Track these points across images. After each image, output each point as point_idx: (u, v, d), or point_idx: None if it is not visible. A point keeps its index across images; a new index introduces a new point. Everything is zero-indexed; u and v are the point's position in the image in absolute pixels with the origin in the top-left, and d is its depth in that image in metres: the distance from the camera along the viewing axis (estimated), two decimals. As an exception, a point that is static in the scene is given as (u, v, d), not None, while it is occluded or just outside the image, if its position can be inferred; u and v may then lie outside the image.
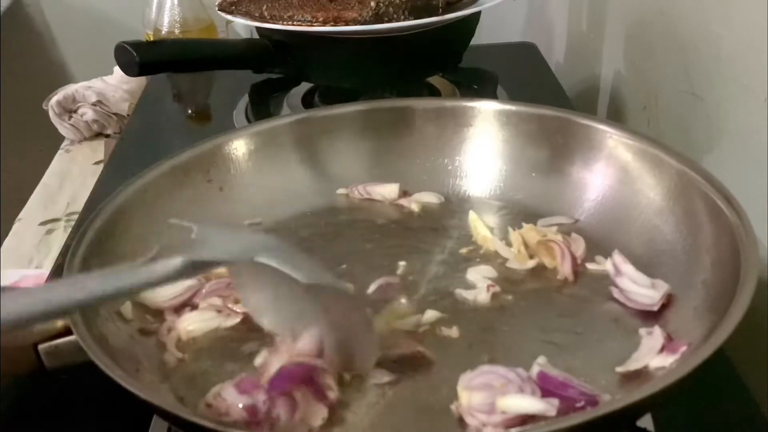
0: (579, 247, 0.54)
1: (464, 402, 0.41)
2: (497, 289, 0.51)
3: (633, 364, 0.44)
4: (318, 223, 0.61)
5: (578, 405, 0.40)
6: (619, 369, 0.43)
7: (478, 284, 0.52)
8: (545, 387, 0.41)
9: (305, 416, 0.41)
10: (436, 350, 0.46)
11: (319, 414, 0.41)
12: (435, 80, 0.90)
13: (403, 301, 0.50)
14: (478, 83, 0.88)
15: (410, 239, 0.58)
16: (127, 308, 0.48)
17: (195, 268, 0.38)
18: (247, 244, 0.40)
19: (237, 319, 0.49)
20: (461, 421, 0.41)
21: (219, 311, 0.50)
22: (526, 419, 0.40)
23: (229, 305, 0.50)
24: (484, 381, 0.42)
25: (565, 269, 0.53)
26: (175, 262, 0.37)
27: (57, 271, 0.64)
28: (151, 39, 1.12)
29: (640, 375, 0.43)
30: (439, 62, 0.84)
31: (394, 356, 0.45)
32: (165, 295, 0.50)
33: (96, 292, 0.36)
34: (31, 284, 0.76)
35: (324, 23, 0.74)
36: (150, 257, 0.37)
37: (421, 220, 0.60)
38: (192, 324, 0.49)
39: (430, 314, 0.49)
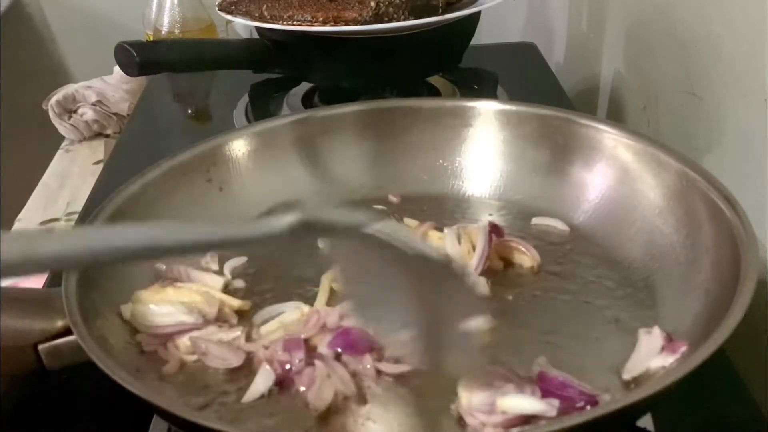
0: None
1: (464, 402, 0.41)
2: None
3: (637, 368, 0.44)
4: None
5: (578, 405, 0.41)
6: (626, 376, 0.43)
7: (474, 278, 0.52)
8: (545, 387, 0.41)
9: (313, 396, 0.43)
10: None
11: (324, 398, 0.43)
12: (435, 80, 0.90)
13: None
14: (478, 83, 0.88)
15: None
16: (126, 309, 0.49)
17: (309, 228, 0.37)
18: (356, 215, 0.39)
19: (237, 333, 0.48)
20: (461, 421, 0.41)
21: (220, 326, 0.49)
22: (526, 419, 0.40)
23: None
24: (484, 381, 0.42)
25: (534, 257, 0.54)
26: (290, 218, 0.36)
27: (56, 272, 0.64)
28: (151, 39, 1.12)
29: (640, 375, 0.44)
30: (439, 62, 0.84)
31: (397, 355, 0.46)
32: (163, 321, 0.48)
33: (209, 238, 0.36)
34: (31, 284, 0.76)
35: (324, 23, 0.74)
36: (263, 215, 0.36)
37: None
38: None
39: None
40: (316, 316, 0.48)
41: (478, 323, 0.41)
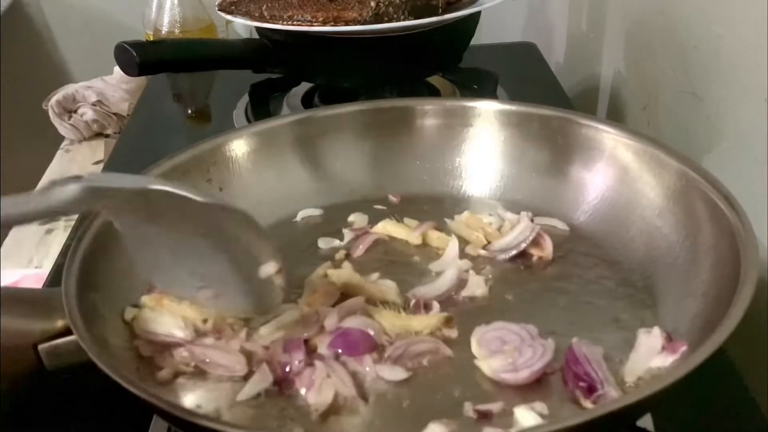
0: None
1: (487, 370, 0.44)
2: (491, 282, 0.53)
3: (637, 368, 0.44)
4: (318, 223, 0.61)
5: (580, 384, 0.42)
6: (626, 377, 0.44)
7: (473, 279, 0.53)
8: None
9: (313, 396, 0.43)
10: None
11: (324, 398, 0.43)
12: (435, 80, 0.90)
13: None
14: (478, 83, 0.88)
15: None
16: (129, 312, 0.49)
17: (92, 195, 0.37)
18: (142, 178, 0.42)
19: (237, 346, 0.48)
20: (474, 420, 0.41)
21: (218, 339, 0.48)
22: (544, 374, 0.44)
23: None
24: (495, 343, 0.45)
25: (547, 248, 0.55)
26: (73, 188, 0.36)
27: (57, 271, 0.64)
28: (151, 39, 1.12)
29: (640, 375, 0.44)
30: (439, 62, 0.84)
31: (414, 353, 0.46)
32: (157, 330, 0.48)
33: None
34: (31, 284, 0.76)
35: (324, 23, 0.74)
36: (46, 186, 0.36)
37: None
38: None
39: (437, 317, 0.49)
40: (315, 317, 0.48)
41: (268, 269, 0.44)
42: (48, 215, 0.39)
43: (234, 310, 0.47)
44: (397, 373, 0.45)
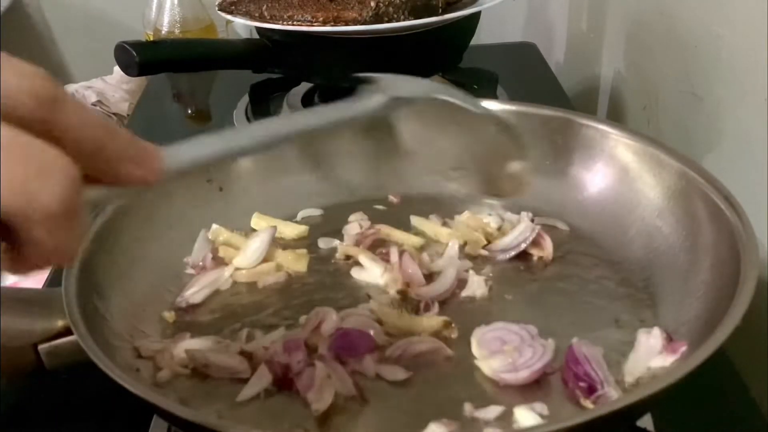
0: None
1: (487, 370, 0.44)
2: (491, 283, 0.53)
3: (637, 368, 0.44)
4: (318, 223, 0.61)
5: (580, 384, 0.42)
6: (626, 377, 0.44)
7: (473, 279, 0.53)
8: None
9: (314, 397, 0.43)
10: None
11: (325, 399, 0.43)
12: (435, 80, 0.90)
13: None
14: (478, 83, 0.88)
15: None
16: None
17: (394, 104, 0.44)
18: (425, 84, 0.48)
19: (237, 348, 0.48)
20: (473, 420, 0.41)
21: (219, 342, 0.48)
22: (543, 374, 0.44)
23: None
24: (495, 344, 0.46)
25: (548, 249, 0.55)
26: (379, 98, 0.43)
27: (57, 272, 0.64)
28: (151, 39, 1.12)
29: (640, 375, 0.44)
30: (439, 62, 0.84)
31: (414, 353, 0.46)
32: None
33: (310, 123, 0.40)
34: (31, 284, 0.76)
35: (324, 23, 0.74)
36: (351, 98, 0.43)
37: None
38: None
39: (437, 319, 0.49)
40: (314, 318, 0.48)
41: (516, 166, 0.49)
42: (355, 120, 0.45)
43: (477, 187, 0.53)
44: (397, 373, 0.45)
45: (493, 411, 0.42)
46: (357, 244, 0.57)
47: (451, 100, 0.46)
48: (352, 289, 0.53)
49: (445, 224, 0.59)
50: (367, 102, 0.43)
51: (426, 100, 0.46)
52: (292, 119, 0.42)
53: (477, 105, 0.47)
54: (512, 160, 0.50)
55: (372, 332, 0.47)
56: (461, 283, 0.53)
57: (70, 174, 0.25)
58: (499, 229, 0.58)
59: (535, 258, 0.55)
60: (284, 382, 0.44)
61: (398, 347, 0.46)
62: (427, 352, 0.46)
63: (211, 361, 0.46)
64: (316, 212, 0.62)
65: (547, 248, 0.55)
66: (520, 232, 0.56)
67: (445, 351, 0.46)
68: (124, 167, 0.28)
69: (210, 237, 0.57)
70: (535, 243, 0.55)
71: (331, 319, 0.48)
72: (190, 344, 0.47)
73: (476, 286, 0.52)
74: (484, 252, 0.56)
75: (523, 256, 0.55)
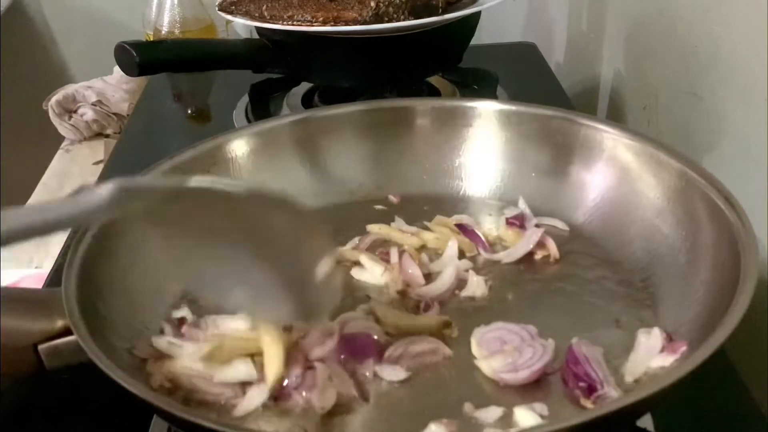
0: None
1: (487, 370, 0.44)
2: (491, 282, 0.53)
3: (637, 369, 0.44)
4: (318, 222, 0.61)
5: (580, 384, 0.42)
6: (626, 377, 0.44)
7: (473, 279, 0.53)
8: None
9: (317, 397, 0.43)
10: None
11: (329, 398, 0.43)
12: (435, 80, 0.90)
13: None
14: (478, 83, 0.88)
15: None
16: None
17: (127, 196, 0.34)
18: (177, 178, 0.39)
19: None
20: (473, 420, 0.42)
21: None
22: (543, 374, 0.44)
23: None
24: (495, 344, 0.46)
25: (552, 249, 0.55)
26: (106, 189, 0.33)
27: (57, 271, 0.64)
28: (151, 39, 1.12)
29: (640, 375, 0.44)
30: (439, 62, 0.84)
31: (413, 353, 0.46)
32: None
33: (22, 225, 0.32)
34: (31, 284, 0.76)
35: (324, 23, 0.74)
36: (75, 190, 0.33)
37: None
38: (182, 370, 0.45)
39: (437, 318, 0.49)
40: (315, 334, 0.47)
41: (325, 266, 0.39)
42: (76, 223, 0.36)
43: (275, 316, 0.43)
44: (398, 373, 0.45)
45: (493, 411, 0.42)
46: (357, 246, 0.57)
47: (207, 184, 0.36)
48: (352, 290, 0.53)
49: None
50: (89, 196, 0.33)
51: (172, 190, 0.36)
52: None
53: (244, 184, 0.38)
54: (315, 261, 0.40)
55: (375, 336, 0.47)
56: (461, 283, 0.53)
57: None
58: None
59: (539, 257, 0.55)
60: (281, 396, 0.43)
61: (398, 347, 0.46)
62: (427, 352, 0.46)
63: (198, 388, 0.44)
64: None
65: (552, 248, 0.55)
66: (525, 240, 0.56)
67: (445, 351, 0.46)
68: None
69: None
70: (539, 244, 0.55)
71: (331, 338, 0.46)
72: (178, 364, 0.46)
73: (476, 286, 0.52)
74: (485, 254, 0.56)
75: (524, 256, 0.55)
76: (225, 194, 0.36)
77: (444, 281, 0.52)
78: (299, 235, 0.39)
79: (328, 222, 0.61)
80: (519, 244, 0.55)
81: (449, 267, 0.53)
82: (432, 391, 0.44)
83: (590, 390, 0.42)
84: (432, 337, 0.47)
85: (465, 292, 0.52)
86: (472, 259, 0.55)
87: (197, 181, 0.36)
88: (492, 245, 0.57)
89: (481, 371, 0.45)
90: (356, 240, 0.58)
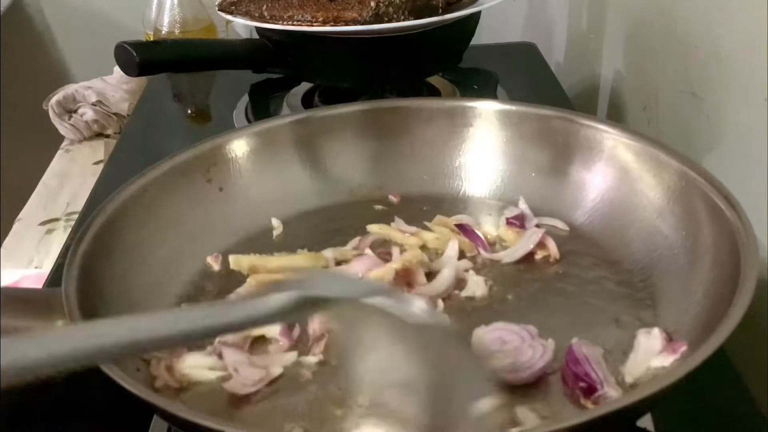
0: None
1: (487, 370, 0.44)
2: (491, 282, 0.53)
3: (637, 368, 0.44)
4: (318, 223, 0.61)
5: (580, 384, 0.42)
6: (626, 377, 0.44)
7: (473, 279, 0.53)
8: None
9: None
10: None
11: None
12: (435, 80, 0.90)
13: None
14: (478, 83, 0.88)
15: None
16: None
17: (307, 305, 0.36)
18: (355, 285, 0.40)
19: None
20: (474, 420, 0.41)
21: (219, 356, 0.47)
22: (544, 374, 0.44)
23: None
24: (496, 336, 0.46)
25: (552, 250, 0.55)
26: (288, 296, 0.35)
27: (57, 271, 0.64)
28: (151, 39, 1.12)
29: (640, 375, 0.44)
30: (439, 62, 0.84)
31: None
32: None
33: (201, 325, 0.34)
34: (31, 284, 0.76)
35: (324, 23, 0.74)
36: (253, 293, 0.36)
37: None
38: (189, 369, 0.46)
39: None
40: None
41: (486, 404, 0.40)
42: (251, 326, 0.38)
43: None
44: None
45: (493, 411, 0.41)
46: (357, 246, 0.57)
47: (381, 305, 0.36)
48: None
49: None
50: (271, 301, 0.35)
51: (345, 302, 0.37)
52: (175, 319, 0.34)
53: (416, 312, 0.37)
54: (474, 398, 0.39)
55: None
56: (461, 283, 0.53)
57: None
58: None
59: (537, 258, 0.55)
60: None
61: None
62: None
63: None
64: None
65: (552, 248, 0.55)
66: (525, 241, 0.56)
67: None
68: None
69: (233, 266, 0.54)
70: (539, 244, 0.55)
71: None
72: (187, 363, 0.46)
73: (476, 286, 0.52)
74: (485, 254, 0.56)
75: (524, 256, 0.55)
76: (400, 320, 0.36)
77: (443, 280, 0.52)
78: (465, 375, 0.39)
79: (328, 222, 0.61)
80: (519, 244, 0.55)
81: (448, 265, 0.53)
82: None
83: (590, 390, 0.42)
84: None
85: (465, 293, 0.52)
86: (472, 259, 0.56)
87: (373, 292, 0.37)
88: (492, 245, 0.57)
89: (480, 371, 0.45)
90: (356, 240, 0.58)
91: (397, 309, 0.37)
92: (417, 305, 0.38)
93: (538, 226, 0.57)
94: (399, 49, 0.77)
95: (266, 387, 0.45)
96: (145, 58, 0.71)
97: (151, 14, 1.15)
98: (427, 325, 0.38)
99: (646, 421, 0.44)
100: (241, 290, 0.52)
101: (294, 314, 0.35)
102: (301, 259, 0.55)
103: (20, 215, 0.93)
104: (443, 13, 0.76)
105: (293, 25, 0.75)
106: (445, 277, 0.52)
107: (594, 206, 0.58)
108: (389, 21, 0.73)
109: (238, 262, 0.54)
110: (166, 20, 1.07)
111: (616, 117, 0.93)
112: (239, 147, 0.61)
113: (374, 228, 0.58)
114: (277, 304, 0.34)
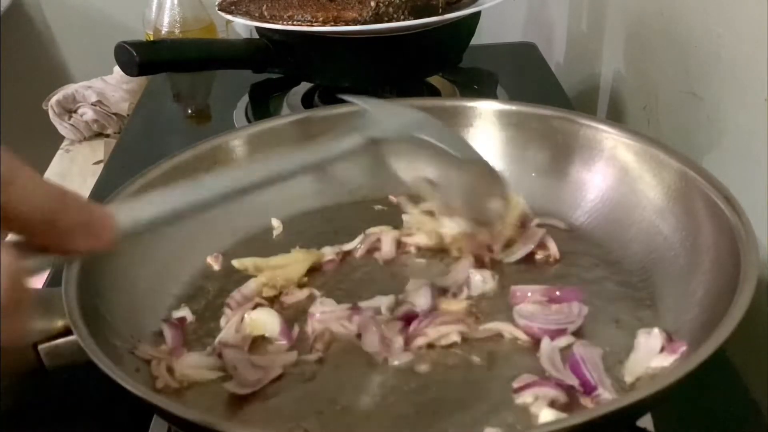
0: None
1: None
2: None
3: (637, 369, 0.44)
4: (318, 223, 0.61)
5: (578, 387, 0.42)
6: (626, 377, 0.44)
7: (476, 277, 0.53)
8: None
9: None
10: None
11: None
12: (435, 80, 0.90)
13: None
14: (478, 83, 0.88)
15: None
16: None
17: (372, 143, 0.45)
18: (408, 122, 0.48)
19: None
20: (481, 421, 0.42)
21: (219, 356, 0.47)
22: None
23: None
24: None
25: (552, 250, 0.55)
26: (357, 138, 0.44)
27: (57, 271, 0.64)
28: (151, 39, 1.12)
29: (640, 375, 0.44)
30: (439, 62, 0.84)
31: (438, 323, 0.48)
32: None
33: (290, 165, 0.41)
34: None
35: (324, 23, 0.74)
36: (332, 136, 0.43)
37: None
38: (189, 369, 0.46)
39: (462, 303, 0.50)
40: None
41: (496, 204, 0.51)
42: (335, 161, 0.45)
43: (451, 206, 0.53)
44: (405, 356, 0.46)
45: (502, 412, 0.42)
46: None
47: (432, 141, 0.46)
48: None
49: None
50: (343, 143, 0.44)
51: (405, 140, 0.46)
52: (261, 166, 0.40)
53: (459, 146, 0.47)
54: (492, 197, 0.51)
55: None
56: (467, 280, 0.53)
57: (12, 270, 0.24)
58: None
59: (538, 258, 0.55)
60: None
61: (425, 320, 0.48)
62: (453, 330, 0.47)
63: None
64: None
65: (552, 248, 0.55)
66: (527, 240, 0.56)
67: (466, 334, 0.47)
68: (74, 240, 0.28)
69: (238, 267, 0.55)
70: (539, 244, 0.55)
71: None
72: (187, 363, 0.46)
73: (482, 282, 0.52)
74: (488, 254, 0.56)
75: (524, 256, 0.55)
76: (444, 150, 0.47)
77: (461, 269, 0.53)
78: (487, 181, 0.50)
79: (328, 222, 0.61)
80: (519, 244, 0.55)
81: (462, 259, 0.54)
82: (441, 392, 0.44)
83: (585, 392, 0.42)
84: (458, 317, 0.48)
85: (473, 291, 0.52)
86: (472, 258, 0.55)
87: (425, 135, 0.47)
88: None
89: (490, 372, 0.45)
90: (357, 240, 0.58)
91: (445, 146, 0.46)
92: (461, 141, 0.49)
93: (538, 226, 0.57)
94: (399, 49, 0.77)
95: (266, 387, 0.45)
96: (145, 57, 0.72)
97: (151, 14, 1.15)
98: (473, 161, 0.48)
99: (646, 421, 0.44)
100: (244, 289, 0.52)
101: (364, 149, 0.45)
102: (298, 256, 0.55)
103: (20, 215, 0.93)
104: (443, 13, 0.76)
105: (293, 25, 0.75)
106: (463, 266, 0.54)
107: (594, 206, 0.58)
108: (389, 21, 0.73)
109: (242, 264, 0.54)
110: (166, 20, 1.07)
111: (616, 117, 0.93)
112: (239, 147, 0.61)
113: (374, 231, 0.58)
114: (349, 145, 0.44)
